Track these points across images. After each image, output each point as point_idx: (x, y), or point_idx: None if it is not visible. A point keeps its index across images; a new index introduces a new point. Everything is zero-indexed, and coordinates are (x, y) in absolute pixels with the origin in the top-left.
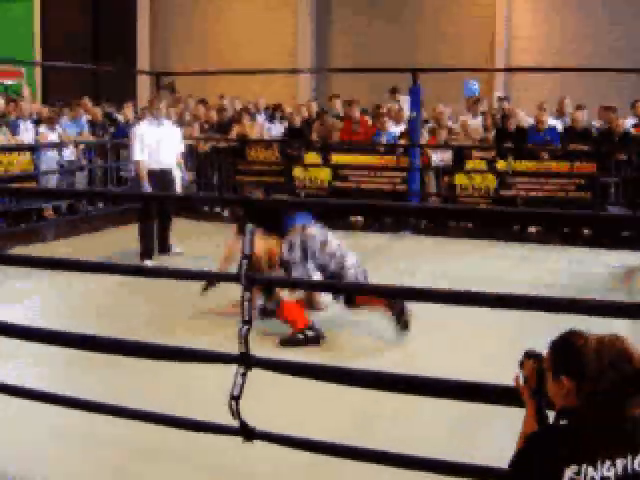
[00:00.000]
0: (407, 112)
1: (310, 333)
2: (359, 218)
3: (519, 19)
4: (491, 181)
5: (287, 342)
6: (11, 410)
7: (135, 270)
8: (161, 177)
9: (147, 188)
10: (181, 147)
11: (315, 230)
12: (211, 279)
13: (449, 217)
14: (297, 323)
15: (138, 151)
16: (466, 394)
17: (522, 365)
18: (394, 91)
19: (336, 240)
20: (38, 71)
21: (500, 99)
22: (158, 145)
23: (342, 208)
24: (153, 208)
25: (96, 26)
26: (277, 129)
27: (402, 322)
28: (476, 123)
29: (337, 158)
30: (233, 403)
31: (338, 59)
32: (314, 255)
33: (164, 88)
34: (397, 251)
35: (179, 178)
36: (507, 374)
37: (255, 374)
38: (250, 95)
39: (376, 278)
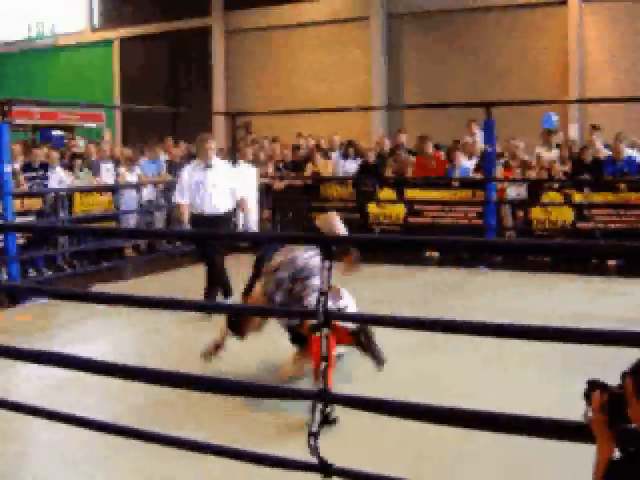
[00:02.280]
0: (481, 146)
1: None
2: (435, 253)
3: (592, 47)
4: (568, 214)
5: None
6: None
7: (215, 307)
8: (206, 224)
9: None
10: (246, 192)
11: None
12: None
13: (531, 252)
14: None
15: (178, 194)
16: (538, 430)
17: (588, 397)
18: (471, 122)
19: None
20: (118, 115)
21: (593, 127)
22: (201, 189)
23: (419, 244)
24: (211, 250)
25: (172, 70)
26: (351, 165)
27: (378, 359)
28: (551, 155)
29: (411, 193)
30: (311, 439)
31: (411, 95)
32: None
33: (239, 128)
34: (474, 286)
35: (241, 226)
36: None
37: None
38: (324, 133)
39: (450, 315)
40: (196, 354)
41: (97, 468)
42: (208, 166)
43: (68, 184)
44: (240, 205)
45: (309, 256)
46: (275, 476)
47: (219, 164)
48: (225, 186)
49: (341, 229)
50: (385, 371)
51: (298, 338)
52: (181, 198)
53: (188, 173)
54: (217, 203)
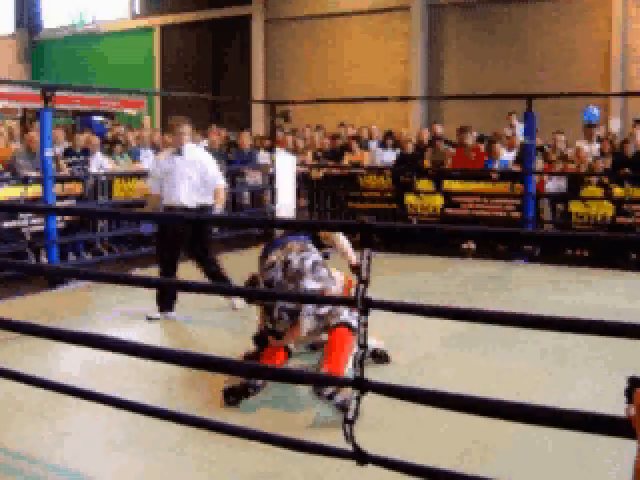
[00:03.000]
0: (521, 138)
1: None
2: (472, 245)
3: (636, 41)
4: (608, 208)
5: None
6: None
7: (252, 292)
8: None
9: (146, 228)
10: (221, 181)
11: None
12: None
13: (569, 244)
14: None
15: (149, 181)
16: (583, 425)
17: (629, 394)
18: (511, 114)
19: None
20: (158, 102)
21: (637, 122)
22: (170, 178)
23: (457, 234)
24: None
25: (214, 58)
26: (389, 156)
27: (379, 356)
28: (592, 149)
29: (449, 185)
30: (347, 426)
31: (451, 86)
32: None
33: (278, 117)
34: (512, 279)
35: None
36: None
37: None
38: (363, 123)
39: (490, 307)
40: (234, 339)
41: (136, 450)
42: (178, 153)
43: (108, 169)
44: (215, 196)
45: (303, 257)
46: (310, 463)
47: (193, 151)
48: (197, 176)
49: (346, 245)
50: (425, 363)
51: (261, 340)
52: (151, 187)
53: (157, 160)
54: (186, 194)
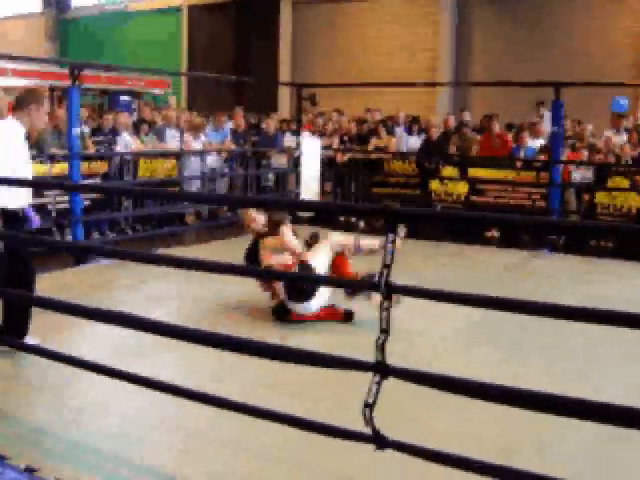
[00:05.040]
0: (548, 127)
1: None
2: (495, 234)
3: None
4: (634, 199)
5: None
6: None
7: (261, 272)
8: None
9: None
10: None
11: None
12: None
13: (593, 235)
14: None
15: None
16: (615, 418)
17: None
18: (540, 104)
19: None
20: (184, 82)
21: None
22: None
23: (484, 221)
24: None
25: (240, 39)
26: (415, 141)
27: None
28: (620, 140)
29: (474, 172)
30: (367, 410)
31: (477, 74)
32: None
33: (305, 100)
34: (536, 269)
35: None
36: None
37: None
38: (389, 108)
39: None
40: (254, 319)
41: (150, 428)
42: None
43: (134, 149)
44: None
45: None
46: (327, 446)
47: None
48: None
49: (292, 241)
50: (448, 350)
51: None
52: None
53: None
54: None
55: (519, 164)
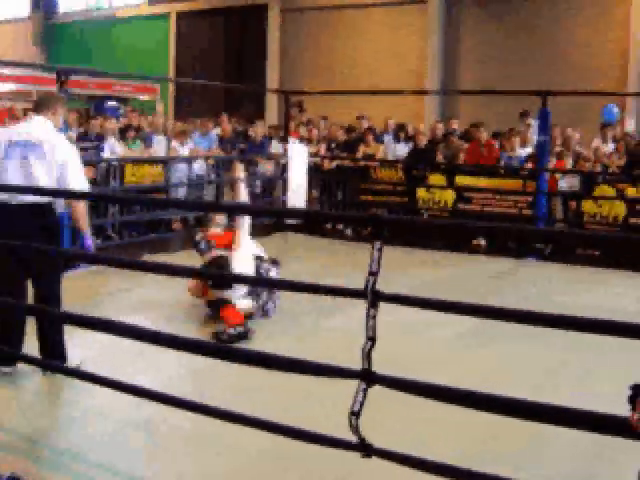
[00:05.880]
0: (535, 136)
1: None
2: (482, 242)
3: None
4: (620, 209)
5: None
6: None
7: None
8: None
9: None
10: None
11: None
12: None
13: (580, 243)
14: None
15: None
16: (597, 426)
17: (633, 401)
18: (525, 114)
19: None
20: (171, 88)
21: None
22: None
23: (470, 230)
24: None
25: (228, 46)
26: (402, 149)
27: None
28: (607, 149)
29: (462, 180)
30: (353, 418)
31: (466, 82)
32: None
33: (293, 107)
34: (522, 277)
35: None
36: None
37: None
38: (377, 115)
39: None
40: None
41: (139, 432)
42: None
43: (120, 155)
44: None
45: None
46: (313, 454)
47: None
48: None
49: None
50: (434, 358)
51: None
52: None
53: None
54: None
55: (507, 172)
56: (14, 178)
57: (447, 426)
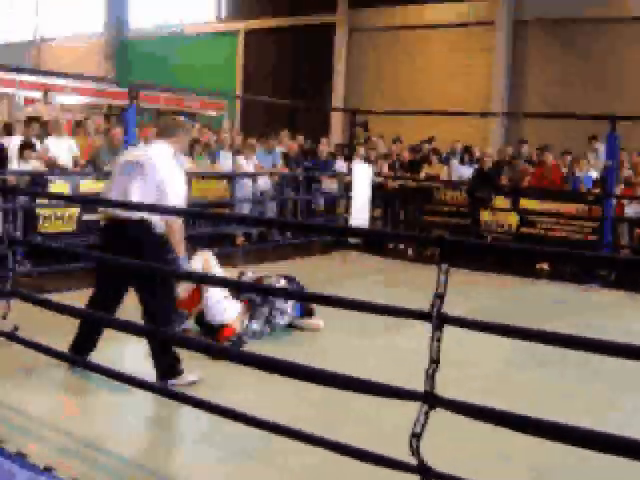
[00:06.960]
0: (603, 160)
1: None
2: (545, 266)
3: None
4: None
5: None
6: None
7: (318, 297)
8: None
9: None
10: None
11: None
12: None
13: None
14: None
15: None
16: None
17: None
18: (593, 138)
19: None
20: (239, 104)
21: None
22: (113, 180)
23: (532, 254)
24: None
25: (295, 64)
26: (466, 171)
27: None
28: None
29: (526, 203)
30: (414, 440)
31: (532, 104)
32: None
33: (358, 126)
34: (586, 303)
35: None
36: None
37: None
38: (442, 137)
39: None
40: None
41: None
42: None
43: (187, 169)
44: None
45: None
46: (369, 474)
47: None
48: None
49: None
50: (498, 383)
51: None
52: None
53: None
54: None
55: (571, 196)
56: (117, 195)
57: (510, 452)
